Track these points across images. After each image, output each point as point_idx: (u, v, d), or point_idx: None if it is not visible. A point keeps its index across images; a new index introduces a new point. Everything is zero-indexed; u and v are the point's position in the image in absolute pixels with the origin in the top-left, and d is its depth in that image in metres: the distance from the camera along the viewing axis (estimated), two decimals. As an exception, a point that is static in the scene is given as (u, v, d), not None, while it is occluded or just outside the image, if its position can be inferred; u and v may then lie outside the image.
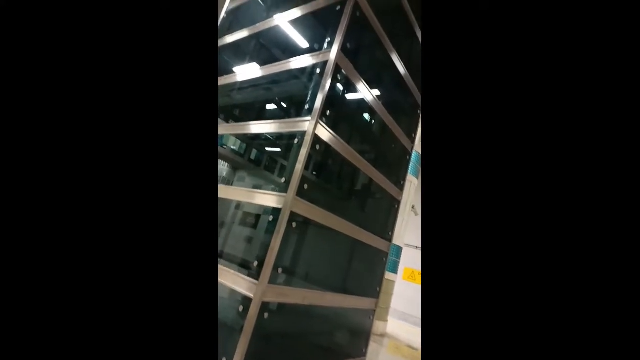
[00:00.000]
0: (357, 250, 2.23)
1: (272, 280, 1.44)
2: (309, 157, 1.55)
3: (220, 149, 2.75)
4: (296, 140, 1.63)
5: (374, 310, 2.38)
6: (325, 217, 1.73)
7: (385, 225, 2.52)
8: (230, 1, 3.04)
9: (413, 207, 5.23)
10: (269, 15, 2.48)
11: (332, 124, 1.70)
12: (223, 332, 1.36)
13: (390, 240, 2.49)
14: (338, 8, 1.85)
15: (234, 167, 2.96)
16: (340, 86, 1.86)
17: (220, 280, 1.56)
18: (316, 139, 1.59)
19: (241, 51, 2.63)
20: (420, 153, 4.74)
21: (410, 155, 2.71)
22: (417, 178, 5.07)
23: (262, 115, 2.74)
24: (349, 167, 2.00)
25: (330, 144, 1.71)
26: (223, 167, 2.95)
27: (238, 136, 2.85)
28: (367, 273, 2.39)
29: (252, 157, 2.98)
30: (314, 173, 1.91)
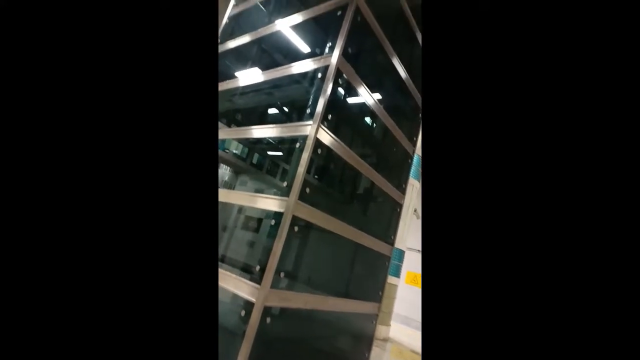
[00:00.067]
0: (360, 254, 2.22)
1: (274, 285, 1.44)
2: (311, 161, 1.56)
3: (222, 153, 2.76)
4: (298, 144, 1.64)
5: (377, 315, 2.36)
6: (327, 220, 1.73)
7: (387, 228, 2.51)
8: (233, 7, 3.07)
9: (415, 210, 5.22)
10: (270, 20, 2.51)
11: (334, 128, 1.71)
12: (225, 336, 1.36)
13: (392, 244, 2.48)
14: (339, 13, 1.87)
15: (236, 171, 2.97)
16: (341, 90, 1.87)
17: (222, 284, 1.56)
18: (318, 143, 1.59)
19: (243, 56, 2.65)
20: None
21: (411, 158, 2.71)
22: (419, 181, 5.07)
23: (264, 119, 2.75)
24: (351, 170, 2.00)
25: (332, 147, 1.71)
26: (225, 171, 2.96)
27: (240, 140, 2.86)
28: (369, 277, 2.38)
29: (254, 161, 2.99)
30: (316, 177, 1.91)
